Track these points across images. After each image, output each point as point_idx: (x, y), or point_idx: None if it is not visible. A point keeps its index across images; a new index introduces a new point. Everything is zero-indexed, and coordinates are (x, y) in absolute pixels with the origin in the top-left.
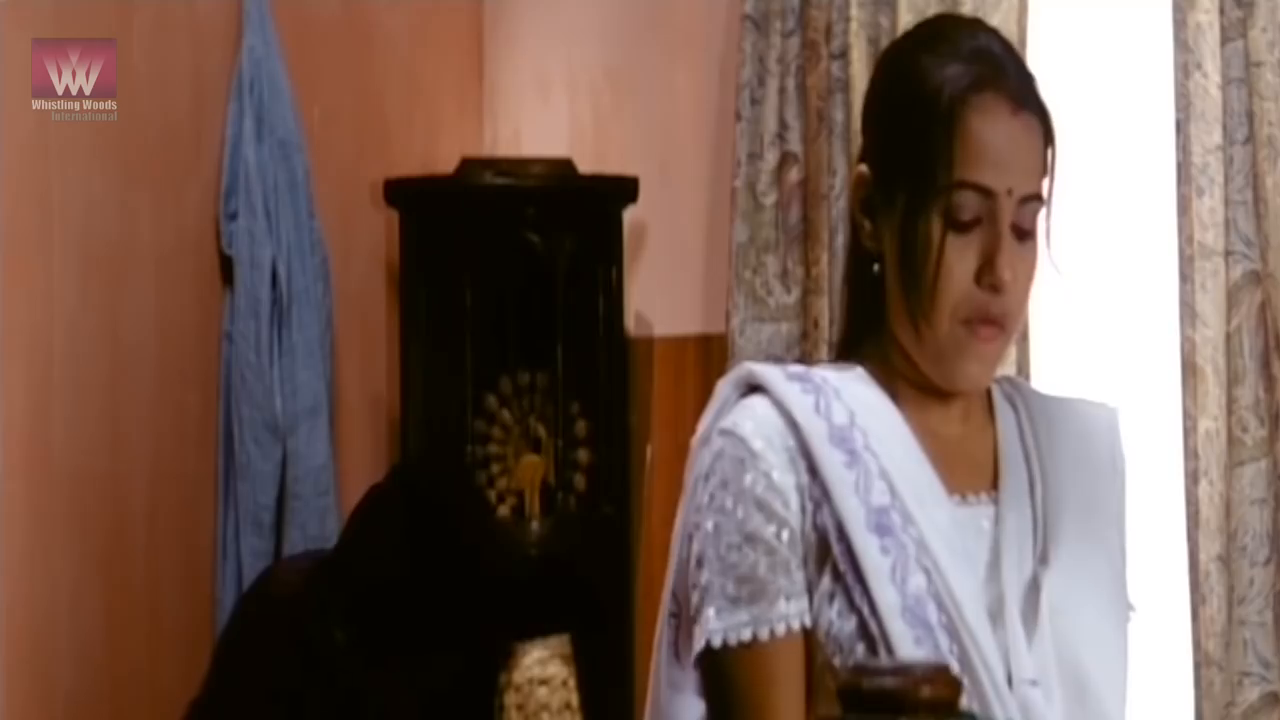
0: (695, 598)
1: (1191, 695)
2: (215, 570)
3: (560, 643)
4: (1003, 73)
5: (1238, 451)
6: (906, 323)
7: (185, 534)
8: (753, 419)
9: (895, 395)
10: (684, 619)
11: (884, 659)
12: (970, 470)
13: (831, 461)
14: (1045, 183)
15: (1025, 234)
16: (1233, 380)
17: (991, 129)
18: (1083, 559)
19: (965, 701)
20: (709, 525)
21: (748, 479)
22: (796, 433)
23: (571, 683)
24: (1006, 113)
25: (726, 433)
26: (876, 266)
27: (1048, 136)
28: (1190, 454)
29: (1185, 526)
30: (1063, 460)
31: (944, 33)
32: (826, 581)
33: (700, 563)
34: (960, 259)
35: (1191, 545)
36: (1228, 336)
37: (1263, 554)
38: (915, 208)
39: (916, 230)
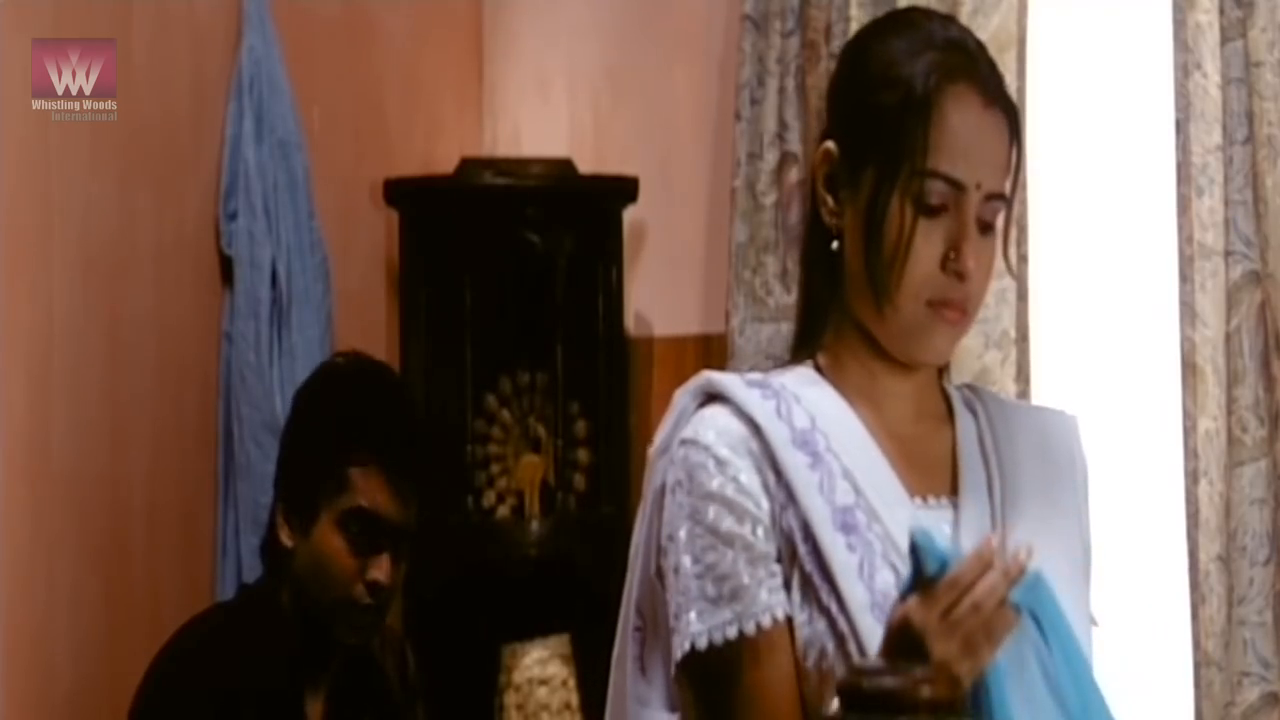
0: (674, 605)
1: (1191, 695)
2: (215, 570)
3: (560, 643)
4: (975, 65)
5: (1238, 451)
6: (868, 301)
7: (185, 534)
8: (714, 428)
9: (850, 393)
10: (648, 633)
11: (871, 660)
12: (928, 472)
13: (795, 464)
14: (1009, 181)
15: (987, 227)
16: (1233, 380)
17: (964, 120)
18: (1042, 557)
19: None
20: (681, 534)
21: (715, 483)
22: (759, 437)
23: (571, 683)
24: (979, 105)
25: (689, 443)
26: (835, 244)
27: (1014, 134)
28: (1190, 454)
29: (1185, 526)
30: (1021, 461)
31: (916, 21)
32: (794, 583)
33: (678, 571)
34: (927, 242)
35: (1191, 545)
36: (1228, 336)
37: (1263, 554)
38: (883, 189)
39: (884, 210)
